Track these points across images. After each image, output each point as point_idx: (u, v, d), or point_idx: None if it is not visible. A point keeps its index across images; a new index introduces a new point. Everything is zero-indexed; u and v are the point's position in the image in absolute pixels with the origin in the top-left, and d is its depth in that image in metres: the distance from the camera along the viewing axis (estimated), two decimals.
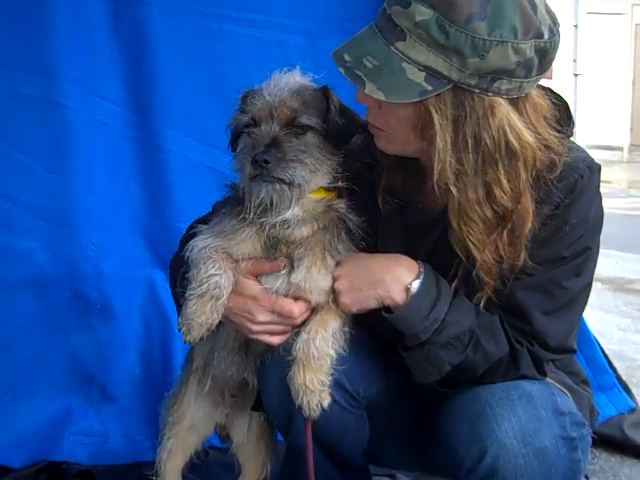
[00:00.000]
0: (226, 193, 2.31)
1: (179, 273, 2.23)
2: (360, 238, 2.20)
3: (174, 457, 2.55)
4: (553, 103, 2.06)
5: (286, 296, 2.16)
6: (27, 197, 3.29)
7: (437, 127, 1.88)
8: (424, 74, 1.85)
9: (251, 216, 2.09)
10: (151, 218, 3.47)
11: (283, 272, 2.14)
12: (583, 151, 2.18)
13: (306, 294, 2.15)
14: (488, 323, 2.15)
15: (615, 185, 14.27)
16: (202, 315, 2.08)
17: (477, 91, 1.85)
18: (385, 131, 2.05)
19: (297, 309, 2.16)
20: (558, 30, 1.91)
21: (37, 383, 3.26)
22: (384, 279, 2.10)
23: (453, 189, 1.94)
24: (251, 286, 2.16)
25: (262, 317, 2.15)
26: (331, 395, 2.14)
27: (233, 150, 2.23)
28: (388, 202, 2.22)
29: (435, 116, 1.88)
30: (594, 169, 2.15)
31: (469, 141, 1.89)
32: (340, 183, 2.16)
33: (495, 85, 1.85)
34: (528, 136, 1.92)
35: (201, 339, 2.13)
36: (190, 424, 2.53)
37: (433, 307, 2.08)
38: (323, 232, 2.14)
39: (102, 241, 3.36)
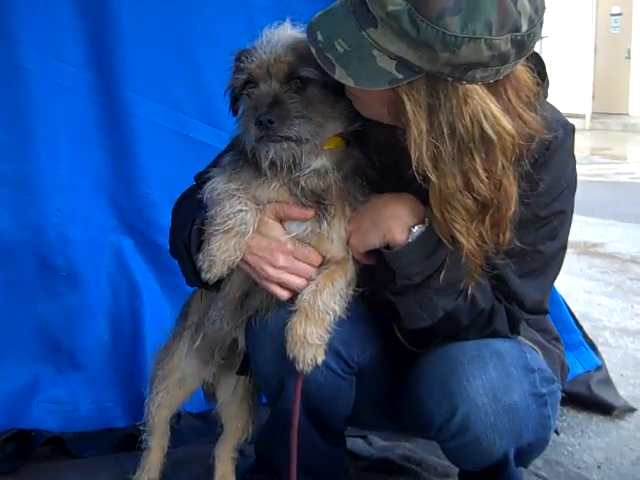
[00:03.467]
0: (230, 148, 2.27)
1: (188, 229, 2.18)
2: (374, 183, 2.17)
3: (162, 410, 2.58)
4: (532, 67, 1.98)
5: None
6: None
7: (410, 114, 1.84)
8: (395, 62, 1.79)
9: (269, 175, 2.07)
10: (117, 183, 3.39)
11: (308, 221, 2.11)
12: (557, 112, 2.18)
13: (326, 245, 2.13)
14: None
15: (578, 152, 14.20)
16: (225, 252, 2.05)
17: (450, 79, 1.80)
18: (362, 99, 2.01)
19: (318, 258, 2.13)
20: (540, 19, 1.82)
21: (4, 351, 3.21)
22: (386, 217, 2.07)
23: (432, 177, 1.89)
24: (276, 228, 2.12)
25: (282, 261, 2.11)
26: (326, 362, 2.13)
27: (234, 114, 2.17)
28: (381, 157, 2.18)
29: (407, 104, 1.84)
30: (568, 130, 2.16)
31: (444, 129, 1.84)
32: (352, 128, 2.12)
33: (469, 74, 1.79)
34: (506, 123, 1.86)
35: (219, 279, 2.10)
36: (179, 378, 2.54)
37: (433, 252, 2.04)
38: (344, 182, 2.11)
39: (67, 207, 3.28)
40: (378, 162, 2.17)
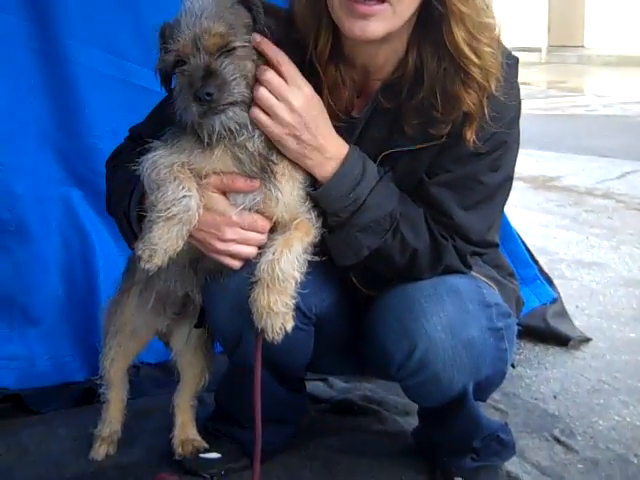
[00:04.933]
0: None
1: (127, 201, 2.14)
2: None
3: (117, 363, 2.59)
4: None
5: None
6: None
7: None
8: None
9: (214, 144, 2.01)
10: (62, 134, 3.30)
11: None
12: (501, 44, 2.16)
13: (272, 208, 2.08)
14: (411, 213, 2.16)
15: (534, 86, 14.44)
16: (167, 241, 1.98)
17: None
18: (390, 2, 1.97)
19: (267, 224, 2.10)
20: None
21: None
22: (318, 150, 2.07)
23: (466, 10, 1.99)
24: (220, 201, 2.07)
25: (230, 234, 2.07)
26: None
27: (168, 92, 2.12)
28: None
29: None
30: (511, 61, 2.15)
31: None
32: None
33: None
34: None
35: (153, 277, 2.03)
36: (131, 331, 2.53)
37: (354, 187, 2.07)
38: None
39: (11, 160, 3.19)
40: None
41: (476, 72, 2.03)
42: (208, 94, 1.91)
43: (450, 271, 2.21)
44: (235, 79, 1.95)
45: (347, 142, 2.15)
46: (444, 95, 2.06)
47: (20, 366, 3.16)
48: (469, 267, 2.25)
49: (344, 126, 2.18)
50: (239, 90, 1.96)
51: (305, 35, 2.11)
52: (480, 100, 2.06)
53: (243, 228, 2.08)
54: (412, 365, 2.16)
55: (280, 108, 2.01)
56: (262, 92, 2.00)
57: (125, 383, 2.64)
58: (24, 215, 3.22)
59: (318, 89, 2.13)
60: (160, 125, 2.15)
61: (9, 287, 3.23)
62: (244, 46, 2.00)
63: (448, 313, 2.12)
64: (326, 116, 2.10)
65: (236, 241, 2.09)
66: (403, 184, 2.18)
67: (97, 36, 3.27)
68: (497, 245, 2.42)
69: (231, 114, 1.97)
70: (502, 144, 2.16)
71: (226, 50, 1.97)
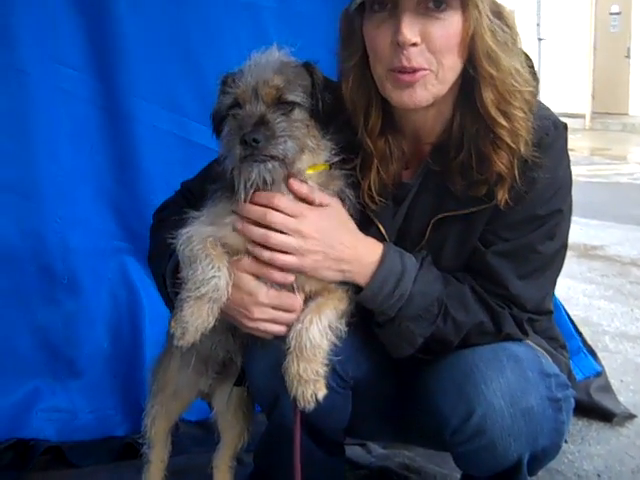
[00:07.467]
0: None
1: (165, 265, 2.19)
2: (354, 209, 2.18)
3: (158, 423, 2.58)
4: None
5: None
6: None
7: (484, 20, 2.00)
8: None
9: (243, 198, 2.04)
10: (119, 189, 3.39)
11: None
12: (548, 109, 2.21)
13: (303, 284, 2.10)
14: (457, 292, 2.16)
15: (578, 153, 14.40)
16: (199, 318, 2.00)
17: None
18: (429, 68, 2.03)
19: (298, 303, 2.11)
20: None
21: (3, 360, 3.20)
22: (351, 261, 2.10)
23: (496, 73, 2.03)
24: (249, 281, 2.09)
25: (258, 313, 2.09)
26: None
27: (218, 136, 2.15)
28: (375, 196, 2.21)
29: (481, 5, 2.00)
30: (559, 127, 2.17)
31: (496, 29, 2.03)
32: (338, 157, 2.13)
33: None
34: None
35: (193, 344, 2.05)
36: (174, 391, 2.54)
37: (397, 284, 2.09)
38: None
39: (68, 213, 3.28)
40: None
41: (504, 134, 2.06)
42: (255, 140, 1.94)
43: (509, 338, 2.20)
44: (283, 136, 1.98)
45: (399, 209, 2.20)
46: (478, 155, 2.10)
47: (62, 418, 3.19)
48: (526, 334, 2.24)
49: (395, 193, 2.22)
50: (284, 147, 1.98)
51: (355, 114, 2.15)
52: (511, 162, 2.08)
53: (273, 307, 2.10)
54: (468, 430, 2.11)
55: (293, 241, 2.04)
56: (275, 237, 2.04)
57: (167, 443, 2.63)
58: (76, 268, 3.29)
59: (368, 163, 2.17)
60: (208, 182, 2.20)
61: (56, 339, 3.28)
62: (301, 108, 2.04)
63: (508, 380, 2.09)
64: (349, 224, 2.12)
65: (265, 320, 2.11)
66: (458, 252, 2.20)
67: (159, 94, 3.37)
68: (551, 312, 2.40)
69: (270, 166, 1.98)
70: (557, 212, 2.17)
71: (284, 105, 2.01)
